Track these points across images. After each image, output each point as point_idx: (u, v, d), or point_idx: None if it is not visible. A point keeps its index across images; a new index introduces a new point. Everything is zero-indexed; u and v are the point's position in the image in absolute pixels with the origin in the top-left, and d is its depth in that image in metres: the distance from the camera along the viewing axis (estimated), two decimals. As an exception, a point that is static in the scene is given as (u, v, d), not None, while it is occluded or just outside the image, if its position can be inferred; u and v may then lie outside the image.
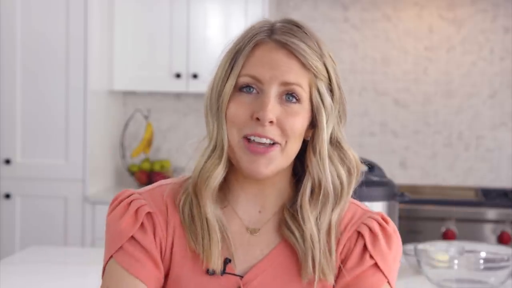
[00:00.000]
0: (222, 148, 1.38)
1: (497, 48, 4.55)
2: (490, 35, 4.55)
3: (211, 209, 1.39)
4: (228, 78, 1.39)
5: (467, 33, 4.56)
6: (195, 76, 4.28)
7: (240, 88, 1.38)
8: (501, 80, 4.56)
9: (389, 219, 1.46)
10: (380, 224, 1.43)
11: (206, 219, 1.39)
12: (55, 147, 4.16)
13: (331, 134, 1.41)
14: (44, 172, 4.18)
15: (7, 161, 4.18)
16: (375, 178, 2.75)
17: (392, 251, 1.43)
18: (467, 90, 4.59)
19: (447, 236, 3.97)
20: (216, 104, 1.39)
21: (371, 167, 2.78)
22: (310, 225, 1.39)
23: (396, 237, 1.44)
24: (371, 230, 1.42)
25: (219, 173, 1.39)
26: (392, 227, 1.45)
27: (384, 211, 2.73)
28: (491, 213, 4.02)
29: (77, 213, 4.16)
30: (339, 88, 1.42)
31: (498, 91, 4.57)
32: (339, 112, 1.42)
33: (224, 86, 1.39)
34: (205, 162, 1.40)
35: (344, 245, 1.43)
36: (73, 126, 4.14)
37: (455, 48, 4.58)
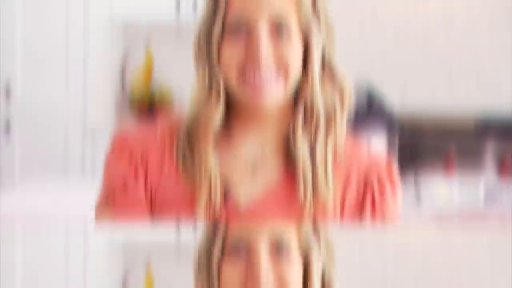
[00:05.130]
0: (219, 91, 1.37)
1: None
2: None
3: (211, 157, 1.38)
4: (214, 22, 1.35)
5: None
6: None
7: (229, 30, 1.35)
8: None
9: (392, 163, 1.45)
10: (386, 173, 1.43)
11: (205, 167, 1.38)
12: (55, 77, 4.15)
13: (322, 54, 1.38)
14: (44, 102, 4.17)
15: (7, 92, 4.17)
16: (374, 107, 2.75)
17: (397, 203, 1.44)
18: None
19: (447, 166, 3.98)
20: (205, 49, 1.37)
21: (371, 94, 2.77)
22: (303, 151, 1.38)
23: (398, 184, 1.44)
24: (379, 180, 1.42)
25: (219, 115, 1.38)
26: (395, 172, 1.44)
27: (383, 142, 2.74)
28: (491, 143, 4.03)
29: (77, 142, 4.17)
30: (323, 2, 1.38)
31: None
32: (326, 27, 1.38)
33: (211, 30, 1.36)
34: (202, 107, 1.38)
35: (352, 188, 1.42)
36: (74, 56, 4.13)
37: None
